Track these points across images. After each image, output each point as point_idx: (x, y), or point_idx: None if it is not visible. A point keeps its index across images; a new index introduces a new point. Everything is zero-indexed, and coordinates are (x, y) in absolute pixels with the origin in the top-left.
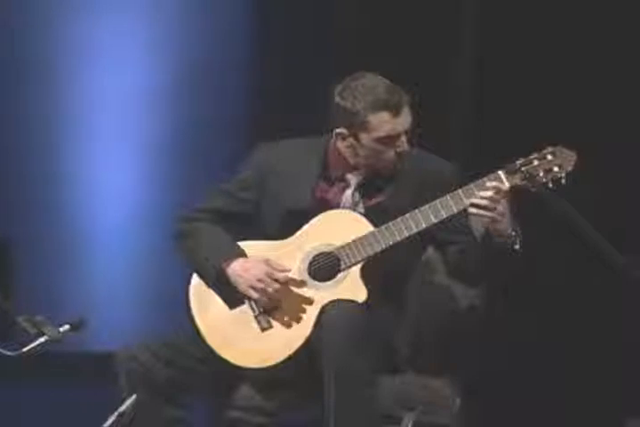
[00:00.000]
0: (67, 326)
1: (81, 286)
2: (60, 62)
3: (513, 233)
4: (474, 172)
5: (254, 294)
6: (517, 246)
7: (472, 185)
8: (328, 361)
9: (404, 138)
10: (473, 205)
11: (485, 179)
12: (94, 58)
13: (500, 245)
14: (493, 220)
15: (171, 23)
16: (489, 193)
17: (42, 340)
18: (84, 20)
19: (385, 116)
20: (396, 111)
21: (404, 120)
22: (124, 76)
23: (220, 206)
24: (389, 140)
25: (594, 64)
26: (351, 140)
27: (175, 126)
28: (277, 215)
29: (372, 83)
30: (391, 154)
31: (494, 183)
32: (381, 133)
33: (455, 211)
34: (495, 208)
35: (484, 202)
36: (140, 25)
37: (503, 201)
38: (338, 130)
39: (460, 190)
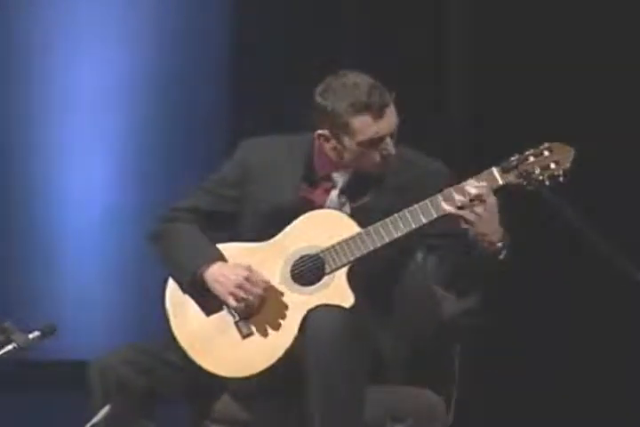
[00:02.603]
0: (37, 333)
1: (52, 290)
2: (32, 60)
3: (499, 244)
4: (467, 171)
5: (233, 302)
6: (501, 256)
7: (464, 183)
8: (313, 369)
9: (388, 140)
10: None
11: (477, 176)
12: (68, 56)
13: (483, 251)
14: (466, 221)
15: (147, 20)
16: (470, 190)
17: (10, 347)
18: (59, 17)
19: (367, 119)
20: (378, 113)
21: (388, 122)
22: (98, 73)
23: (201, 205)
24: (373, 143)
25: (590, 64)
26: (334, 142)
27: (150, 125)
28: (259, 216)
29: (354, 82)
30: (376, 157)
31: (480, 182)
32: (364, 137)
33: (446, 211)
34: (471, 208)
35: (460, 199)
36: (116, 22)
37: (488, 202)
38: (320, 131)
39: (451, 188)
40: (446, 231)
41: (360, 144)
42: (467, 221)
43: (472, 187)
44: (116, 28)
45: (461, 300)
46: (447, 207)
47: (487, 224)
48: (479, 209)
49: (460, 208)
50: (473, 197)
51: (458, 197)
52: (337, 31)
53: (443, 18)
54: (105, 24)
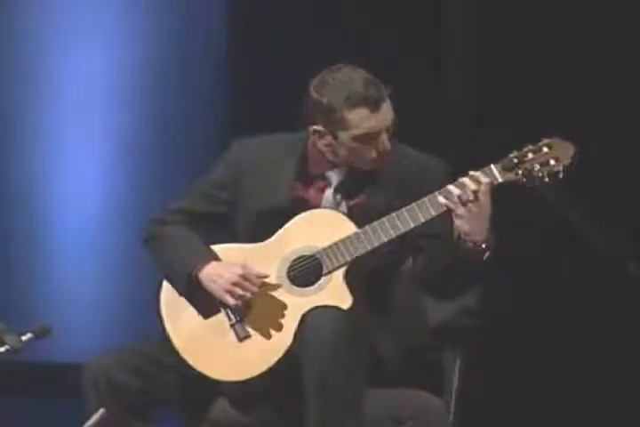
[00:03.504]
0: (29, 335)
1: (45, 291)
2: (29, 61)
3: (483, 245)
4: (466, 169)
5: (230, 300)
6: (485, 257)
7: (461, 180)
8: (311, 373)
9: (384, 135)
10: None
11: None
12: (65, 55)
13: (466, 251)
14: (457, 215)
15: (143, 19)
16: (466, 182)
17: (2, 349)
18: (55, 17)
19: (363, 112)
20: (375, 107)
21: (385, 116)
22: (93, 72)
23: (194, 207)
24: (369, 138)
25: (590, 61)
26: (329, 138)
27: (144, 125)
28: (254, 216)
29: (350, 76)
30: (372, 153)
31: (486, 179)
32: (360, 131)
33: (444, 208)
34: (464, 203)
35: (456, 191)
36: (111, 20)
37: (482, 201)
38: (314, 127)
39: (449, 186)
40: (436, 232)
41: (355, 139)
42: (457, 215)
43: (473, 182)
44: (112, 27)
45: (443, 302)
46: (444, 201)
47: (476, 222)
48: (473, 205)
49: (456, 202)
50: (472, 191)
51: (457, 193)
52: (337, 31)
53: (443, 18)
54: (101, 23)
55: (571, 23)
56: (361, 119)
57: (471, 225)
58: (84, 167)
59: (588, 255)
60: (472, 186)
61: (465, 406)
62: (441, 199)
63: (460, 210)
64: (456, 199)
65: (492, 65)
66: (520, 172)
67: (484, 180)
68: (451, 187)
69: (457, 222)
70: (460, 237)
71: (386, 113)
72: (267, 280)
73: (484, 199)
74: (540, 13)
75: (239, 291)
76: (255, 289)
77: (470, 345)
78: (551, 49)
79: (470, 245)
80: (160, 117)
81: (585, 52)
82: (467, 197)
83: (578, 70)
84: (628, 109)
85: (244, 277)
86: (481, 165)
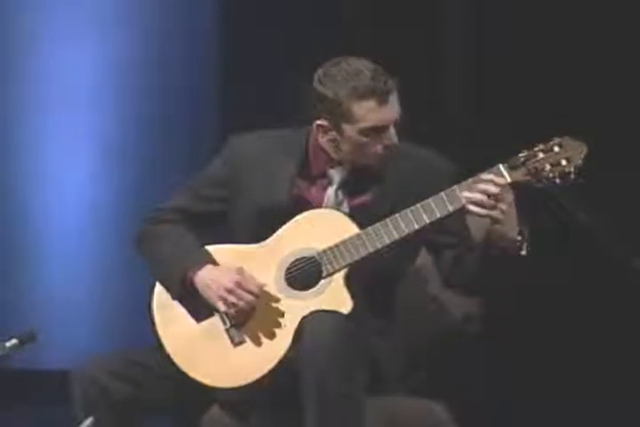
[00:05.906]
0: (14, 341)
1: (31, 295)
2: (13, 58)
3: (519, 237)
4: (473, 168)
5: (224, 307)
6: (524, 252)
7: (470, 180)
8: (309, 379)
9: (392, 129)
10: (470, 202)
11: (484, 173)
12: (49, 53)
13: (503, 250)
14: (494, 220)
15: (134, 20)
16: (488, 188)
17: None
18: (48, 13)
19: (370, 104)
20: (383, 99)
21: (392, 109)
22: (81, 71)
23: (188, 206)
24: (376, 131)
25: (594, 57)
26: (333, 133)
27: (134, 125)
28: (251, 216)
29: (356, 67)
30: (378, 148)
31: (491, 176)
32: (367, 124)
33: (451, 210)
34: (495, 206)
35: (481, 198)
36: (102, 21)
37: (507, 198)
38: (318, 122)
39: (455, 187)
40: (454, 230)
41: (362, 132)
42: (496, 221)
43: (488, 183)
44: (104, 25)
45: (467, 301)
46: (473, 208)
47: (509, 219)
48: (504, 206)
49: (482, 206)
50: (490, 191)
51: (473, 196)
52: (337, 31)
53: (443, 18)
54: (95, 21)
55: (572, 19)
56: (368, 112)
57: (505, 225)
58: (71, 168)
59: (593, 256)
60: (495, 190)
61: (468, 413)
62: (472, 208)
63: (500, 214)
64: (486, 205)
65: (494, 64)
66: (529, 172)
67: (501, 181)
68: (469, 194)
69: (493, 227)
70: (493, 239)
71: (394, 105)
72: (264, 283)
73: (507, 197)
74: (542, 10)
75: (233, 299)
76: (250, 298)
77: (474, 351)
78: (554, 46)
79: (506, 243)
80: (149, 118)
81: (588, 47)
82: (494, 200)
83: (582, 67)
84: (630, 107)
85: (240, 285)
86: (484, 164)
